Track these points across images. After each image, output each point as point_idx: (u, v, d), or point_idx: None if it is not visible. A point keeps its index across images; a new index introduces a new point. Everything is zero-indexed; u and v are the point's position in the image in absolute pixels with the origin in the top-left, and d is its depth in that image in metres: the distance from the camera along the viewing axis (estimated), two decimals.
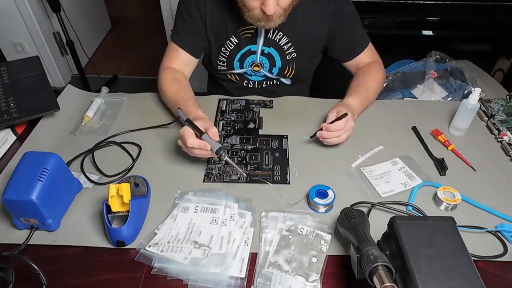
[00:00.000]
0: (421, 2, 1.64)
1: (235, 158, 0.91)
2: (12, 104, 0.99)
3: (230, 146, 0.94)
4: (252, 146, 0.94)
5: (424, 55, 1.41)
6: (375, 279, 0.54)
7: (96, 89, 1.28)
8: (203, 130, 0.81)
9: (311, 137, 0.92)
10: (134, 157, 0.91)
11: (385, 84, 1.38)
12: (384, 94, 1.37)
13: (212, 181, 0.85)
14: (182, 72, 1.07)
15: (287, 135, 0.96)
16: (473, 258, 0.59)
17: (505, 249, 0.72)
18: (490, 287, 0.53)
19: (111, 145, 0.94)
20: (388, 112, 1.05)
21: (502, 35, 1.75)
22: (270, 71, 1.11)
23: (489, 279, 0.65)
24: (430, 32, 1.74)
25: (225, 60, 1.09)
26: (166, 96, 1.02)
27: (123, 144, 0.94)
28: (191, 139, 0.79)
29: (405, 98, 1.34)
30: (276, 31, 1.02)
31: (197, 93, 1.04)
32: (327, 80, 1.29)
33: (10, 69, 1.10)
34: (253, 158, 0.91)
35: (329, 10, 1.01)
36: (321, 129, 0.89)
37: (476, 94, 0.91)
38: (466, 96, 0.98)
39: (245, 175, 0.85)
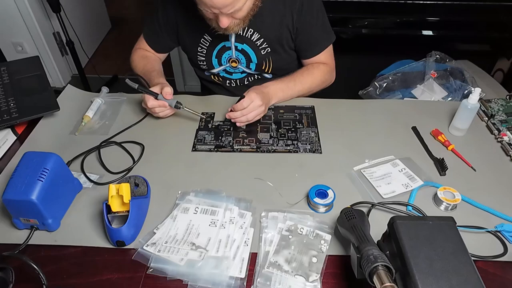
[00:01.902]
0: (421, 2, 1.64)
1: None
2: (12, 104, 0.99)
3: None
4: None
5: (424, 55, 1.41)
6: (375, 279, 0.54)
7: (96, 89, 1.28)
8: (159, 92, 0.94)
9: (225, 121, 1.00)
10: (135, 157, 0.91)
11: (385, 84, 1.38)
12: (384, 94, 1.38)
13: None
14: (152, 52, 1.17)
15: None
16: (473, 258, 0.59)
17: (505, 249, 0.72)
18: (490, 287, 0.53)
19: (111, 145, 0.94)
20: (388, 112, 1.05)
21: (502, 35, 1.75)
22: (248, 66, 1.12)
23: (489, 279, 0.65)
24: (430, 32, 1.74)
25: (204, 58, 1.11)
26: (136, 71, 1.12)
27: (124, 144, 0.94)
28: (150, 101, 0.94)
29: (405, 98, 1.34)
30: (246, 28, 1.03)
31: (197, 93, 1.04)
32: (337, 78, 1.28)
33: (10, 69, 1.10)
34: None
35: (296, 4, 1.00)
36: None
37: (476, 94, 0.91)
38: (466, 96, 0.98)
39: (203, 117, 1.00)
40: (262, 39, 1.05)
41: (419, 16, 1.71)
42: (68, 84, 1.17)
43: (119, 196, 0.72)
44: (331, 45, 1.11)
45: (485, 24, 1.72)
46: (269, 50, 1.07)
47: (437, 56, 1.39)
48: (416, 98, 1.33)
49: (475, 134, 0.98)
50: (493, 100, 1.08)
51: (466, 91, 1.30)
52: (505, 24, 1.70)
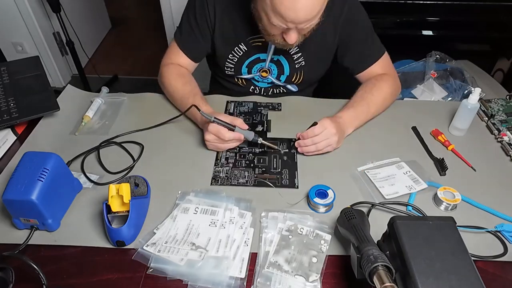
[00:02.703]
0: (421, 2, 1.64)
1: (243, 161, 0.90)
2: (12, 104, 0.99)
3: (237, 149, 0.93)
4: (260, 149, 0.93)
5: (424, 55, 1.41)
6: (375, 279, 0.54)
7: (96, 89, 1.28)
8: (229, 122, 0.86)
9: (292, 151, 0.91)
10: (135, 157, 0.91)
11: None
12: None
13: (220, 184, 0.84)
14: (185, 68, 1.07)
15: (295, 139, 0.93)
16: (473, 258, 0.59)
17: (505, 249, 0.72)
18: (490, 287, 0.53)
19: (111, 145, 0.94)
20: (388, 112, 1.05)
21: (502, 35, 1.75)
22: (278, 78, 1.10)
23: (489, 279, 0.65)
24: (430, 32, 1.74)
25: (233, 66, 1.08)
26: (171, 90, 1.02)
27: (124, 144, 0.94)
28: (228, 133, 0.85)
29: (405, 98, 1.34)
30: None
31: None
32: (333, 80, 1.28)
33: (10, 69, 1.10)
34: (261, 161, 0.90)
35: (340, 19, 0.98)
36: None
37: (476, 94, 0.91)
38: (466, 96, 0.98)
39: (281, 150, 0.91)
40: (300, 53, 1.03)
41: (419, 16, 1.71)
42: (68, 84, 1.17)
43: (119, 196, 0.72)
44: (386, 55, 1.06)
45: (485, 24, 1.71)
46: (304, 63, 1.06)
47: (437, 56, 1.39)
48: (416, 98, 1.33)
49: (475, 134, 0.98)
50: (493, 100, 1.08)
51: (466, 91, 1.30)
52: (505, 24, 1.70)
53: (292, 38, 0.85)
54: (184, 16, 1.04)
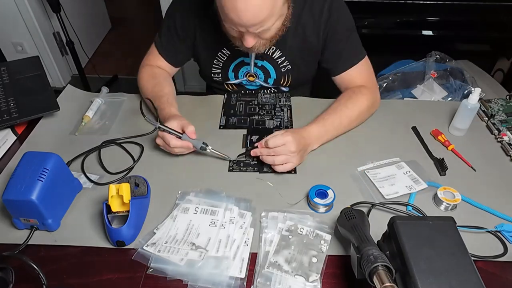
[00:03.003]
0: (421, 2, 1.64)
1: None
2: (12, 104, 0.99)
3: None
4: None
5: (424, 55, 1.41)
6: (375, 279, 0.54)
7: (96, 89, 1.28)
8: (180, 129, 0.85)
9: (240, 155, 0.89)
10: (135, 157, 0.91)
11: (385, 84, 1.38)
12: (384, 94, 1.38)
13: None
14: (162, 69, 1.08)
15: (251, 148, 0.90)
16: (473, 258, 0.59)
17: (505, 249, 0.72)
18: (490, 287, 0.53)
19: (111, 145, 0.94)
20: (388, 112, 1.05)
21: (502, 35, 1.75)
22: (266, 81, 1.09)
23: (489, 279, 0.64)
24: (430, 32, 1.74)
25: (220, 71, 1.08)
26: (143, 93, 1.05)
27: (125, 144, 0.94)
28: (173, 141, 0.83)
29: (405, 98, 1.34)
30: None
31: (197, 93, 1.03)
32: (329, 80, 1.28)
33: (10, 69, 1.10)
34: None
35: (322, 20, 0.95)
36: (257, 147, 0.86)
37: (476, 94, 0.91)
38: (466, 96, 0.98)
39: (231, 158, 0.89)
40: (284, 57, 1.02)
41: (419, 16, 1.71)
42: (68, 84, 1.17)
43: (119, 196, 0.72)
44: (366, 62, 1.01)
45: (485, 24, 1.72)
46: (290, 67, 1.04)
47: (437, 56, 1.39)
48: (416, 98, 1.33)
49: (475, 134, 0.98)
50: (493, 100, 1.08)
51: (466, 91, 1.30)
52: (505, 24, 1.70)
53: (248, 42, 0.83)
54: (165, 22, 1.03)
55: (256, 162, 0.88)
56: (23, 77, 1.07)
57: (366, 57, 1.02)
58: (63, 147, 0.93)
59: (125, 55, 2.92)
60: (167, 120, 0.86)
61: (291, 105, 1.06)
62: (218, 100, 1.09)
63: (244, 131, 0.98)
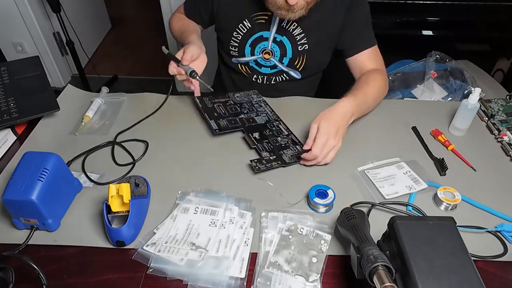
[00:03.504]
0: (421, 2, 1.64)
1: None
2: (12, 104, 0.99)
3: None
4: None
5: (424, 55, 1.41)
6: (375, 279, 0.54)
7: (96, 89, 1.28)
8: (189, 57, 0.94)
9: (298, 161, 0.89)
10: (135, 157, 0.91)
11: None
12: None
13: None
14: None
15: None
16: (473, 258, 0.59)
17: (505, 249, 0.72)
18: (490, 287, 0.53)
19: (111, 145, 0.94)
20: (388, 112, 1.05)
21: (502, 35, 1.75)
22: (281, 60, 1.10)
23: (489, 279, 0.65)
24: (430, 32, 1.74)
25: (237, 45, 1.10)
26: (173, 29, 1.17)
27: (127, 142, 0.95)
28: (171, 67, 0.95)
29: (405, 98, 1.34)
30: (291, 20, 1.01)
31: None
32: (334, 79, 1.29)
33: (10, 69, 1.10)
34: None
35: (344, 6, 1.01)
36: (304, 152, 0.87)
37: (476, 94, 0.91)
38: (466, 96, 0.98)
39: (211, 89, 0.96)
40: (303, 34, 1.04)
41: (419, 16, 1.71)
42: (68, 84, 1.16)
43: (119, 196, 0.72)
44: (377, 49, 1.08)
45: (485, 24, 1.72)
46: (307, 47, 1.06)
47: (437, 56, 1.39)
48: (416, 98, 1.33)
49: (475, 134, 0.98)
50: (493, 100, 1.08)
51: (466, 91, 1.30)
52: (505, 24, 1.70)
53: None
54: None
55: (275, 157, 0.89)
56: (23, 77, 1.07)
57: (377, 46, 1.08)
58: (63, 147, 0.93)
59: (125, 55, 2.92)
60: (188, 46, 0.96)
61: (265, 100, 1.08)
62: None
63: (239, 134, 0.97)
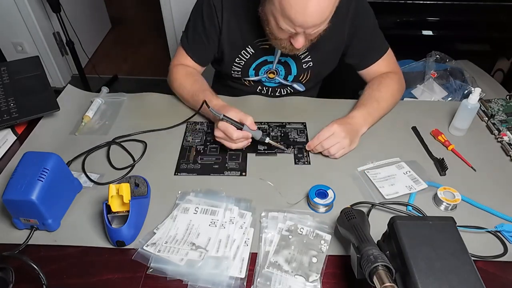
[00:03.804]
0: (421, 2, 1.64)
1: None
2: (12, 104, 0.99)
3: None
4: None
5: (424, 55, 1.41)
6: (375, 279, 0.54)
7: (96, 89, 1.28)
8: (239, 120, 0.86)
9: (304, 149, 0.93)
10: (135, 157, 0.91)
11: None
12: None
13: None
14: (193, 68, 1.08)
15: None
16: (473, 258, 0.59)
17: (505, 249, 0.72)
18: (490, 287, 0.53)
19: (112, 145, 0.94)
20: (388, 112, 1.05)
21: (502, 35, 1.75)
22: (285, 78, 1.10)
23: (489, 279, 0.64)
24: (430, 32, 1.74)
25: (240, 69, 1.08)
26: (181, 90, 1.03)
27: (126, 142, 0.95)
28: (236, 132, 0.84)
29: (405, 98, 1.34)
30: None
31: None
32: (337, 78, 1.28)
33: (10, 69, 1.10)
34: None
35: (347, 18, 0.98)
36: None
37: (476, 94, 0.91)
38: (466, 96, 0.98)
39: (288, 151, 0.92)
40: (307, 53, 1.03)
41: (419, 16, 1.71)
42: (68, 84, 1.17)
43: (119, 196, 0.72)
44: (390, 52, 1.07)
45: (485, 24, 1.71)
46: (311, 64, 1.06)
47: (437, 56, 1.39)
48: (416, 98, 1.33)
49: (475, 134, 0.98)
50: (493, 100, 1.08)
51: (466, 91, 1.30)
52: (505, 24, 1.70)
53: (300, 42, 0.84)
54: (191, 20, 1.03)
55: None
56: (23, 77, 1.07)
57: (389, 48, 1.07)
58: (63, 147, 0.93)
59: (125, 55, 2.92)
60: (222, 110, 0.86)
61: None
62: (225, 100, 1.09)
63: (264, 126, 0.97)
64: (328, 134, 0.87)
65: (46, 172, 0.70)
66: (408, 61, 1.46)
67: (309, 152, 0.92)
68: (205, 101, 0.91)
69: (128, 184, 0.72)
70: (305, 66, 1.06)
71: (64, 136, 0.97)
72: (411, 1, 1.64)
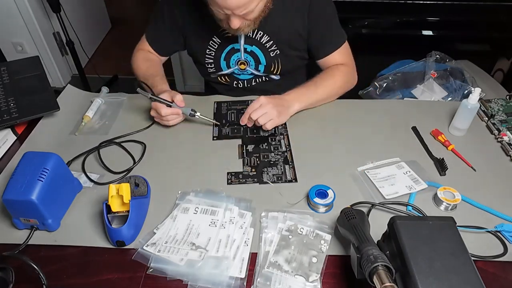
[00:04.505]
0: (421, 2, 1.64)
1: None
2: (12, 104, 0.99)
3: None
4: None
5: (424, 55, 1.41)
6: (375, 279, 0.54)
7: (96, 89, 1.28)
8: (170, 99, 0.93)
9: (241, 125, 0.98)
10: (135, 157, 0.91)
11: (385, 84, 1.38)
12: (384, 94, 1.37)
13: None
14: (154, 54, 1.15)
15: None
16: (473, 258, 0.59)
17: (505, 249, 0.72)
18: (490, 287, 0.53)
19: (112, 145, 0.94)
20: (388, 112, 1.05)
21: (502, 35, 1.75)
22: (257, 68, 1.11)
23: (489, 279, 0.65)
24: (430, 32, 1.74)
25: (212, 60, 1.10)
26: (137, 74, 1.11)
27: (126, 143, 0.95)
28: (164, 109, 0.92)
29: (405, 98, 1.34)
30: (256, 30, 1.02)
31: (197, 94, 1.03)
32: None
33: (10, 69, 1.10)
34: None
35: (305, 5, 1.00)
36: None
37: (476, 94, 0.91)
38: (466, 96, 0.98)
39: (218, 123, 0.97)
40: (272, 41, 1.05)
41: (419, 16, 1.71)
42: (68, 84, 1.17)
43: (119, 196, 0.72)
44: (346, 45, 1.09)
45: (485, 24, 1.72)
46: (278, 52, 1.07)
47: (437, 56, 1.39)
48: (416, 98, 1.33)
49: (475, 134, 0.98)
50: (493, 100, 1.08)
51: (466, 91, 1.30)
52: (505, 24, 1.70)
53: (234, 23, 0.88)
54: (154, 10, 1.09)
55: (255, 173, 0.87)
56: (23, 77, 1.07)
57: (346, 41, 1.09)
58: (63, 147, 0.93)
59: (125, 55, 2.88)
60: (159, 94, 0.94)
61: None
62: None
63: (239, 141, 0.96)
64: (256, 105, 0.92)
65: (46, 172, 0.70)
66: (408, 61, 1.46)
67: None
68: (139, 84, 0.99)
69: (128, 184, 0.72)
70: (272, 54, 1.07)
71: (64, 136, 0.97)
72: (411, 1, 1.64)
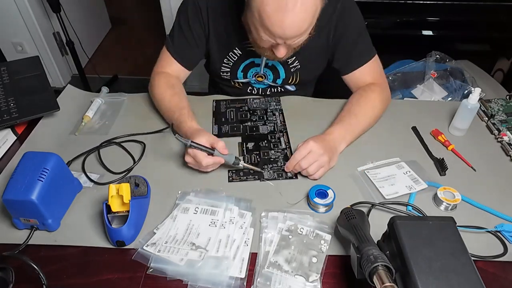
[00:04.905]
0: (421, 2, 1.64)
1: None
2: (12, 104, 0.99)
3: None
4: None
5: (424, 55, 1.41)
6: (375, 279, 0.54)
7: (96, 89, 1.28)
8: (209, 145, 0.81)
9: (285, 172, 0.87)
10: (135, 157, 0.91)
11: None
12: None
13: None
14: (176, 77, 1.04)
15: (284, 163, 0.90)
16: (473, 258, 0.59)
17: (505, 249, 0.72)
18: (490, 287, 0.53)
19: (111, 145, 0.94)
20: (388, 112, 1.04)
21: (502, 35, 1.75)
22: (274, 81, 1.09)
23: (489, 279, 0.65)
24: (430, 32, 1.74)
25: (229, 70, 1.07)
26: (159, 101, 0.99)
27: (126, 143, 0.95)
28: (206, 159, 0.80)
29: (405, 98, 1.34)
30: None
31: (197, 93, 1.03)
32: (331, 79, 1.28)
33: (10, 69, 1.10)
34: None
35: (332, 20, 0.96)
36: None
37: (476, 94, 0.91)
38: (466, 96, 0.98)
39: (262, 171, 0.87)
40: (294, 57, 1.02)
41: (419, 16, 1.71)
42: (68, 84, 1.16)
43: (119, 196, 0.72)
44: (375, 60, 1.02)
45: (485, 24, 1.72)
46: (299, 66, 1.05)
47: (437, 56, 1.39)
48: (416, 98, 1.33)
49: (475, 134, 0.98)
50: (493, 100, 1.08)
51: (466, 91, 1.30)
52: (505, 24, 1.70)
53: (281, 52, 0.84)
54: (176, 22, 1.01)
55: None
56: (23, 77, 1.07)
57: (376, 55, 1.02)
58: (63, 147, 0.93)
59: (125, 55, 2.92)
60: (193, 136, 0.82)
61: (282, 109, 1.06)
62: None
63: (239, 139, 0.96)
64: (305, 152, 0.82)
65: (46, 172, 0.70)
66: (408, 61, 1.46)
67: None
68: (172, 125, 0.90)
69: (128, 184, 0.72)
70: (293, 69, 1.06)
71: (64, 136, 0.97)
72: (411, 1, 1.64)
